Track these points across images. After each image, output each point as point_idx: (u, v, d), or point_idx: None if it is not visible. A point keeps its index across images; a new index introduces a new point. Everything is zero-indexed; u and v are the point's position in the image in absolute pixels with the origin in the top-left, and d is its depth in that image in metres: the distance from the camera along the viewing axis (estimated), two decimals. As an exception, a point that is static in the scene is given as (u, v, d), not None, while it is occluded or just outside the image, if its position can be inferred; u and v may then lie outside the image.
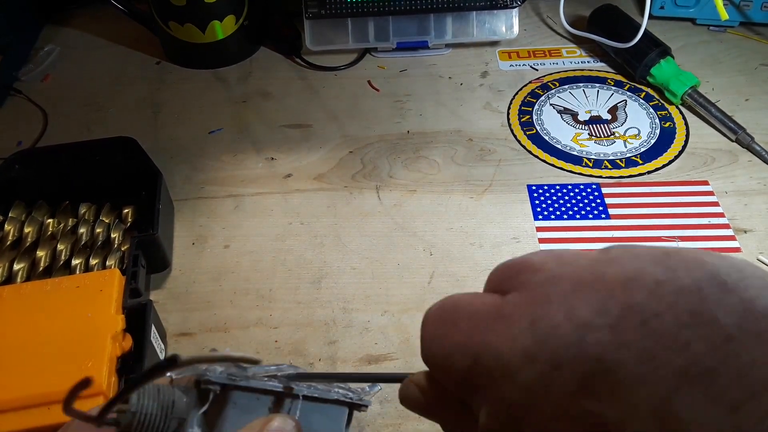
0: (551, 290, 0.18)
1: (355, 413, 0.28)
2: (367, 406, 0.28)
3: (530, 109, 0.62)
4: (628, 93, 0.63)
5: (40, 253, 0.47)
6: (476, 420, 0.20)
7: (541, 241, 0.50)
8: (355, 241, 0.51)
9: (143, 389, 0.22)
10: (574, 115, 0.61)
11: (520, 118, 0.61)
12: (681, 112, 0.61)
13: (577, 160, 0.57)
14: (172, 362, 0.18)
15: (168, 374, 0.23)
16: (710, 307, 0.15)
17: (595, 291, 0.17)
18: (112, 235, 0.48)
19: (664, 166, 0.56)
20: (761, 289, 0.16)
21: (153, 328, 0.41)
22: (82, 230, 0.48)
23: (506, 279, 0.21)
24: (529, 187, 0.54)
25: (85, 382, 0.19)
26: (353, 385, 0.28)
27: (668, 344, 0.15)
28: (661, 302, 0.16)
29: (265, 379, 0.24)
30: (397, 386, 0.24)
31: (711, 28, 0.70)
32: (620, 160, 0.57)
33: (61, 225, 0.49)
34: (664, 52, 0.62)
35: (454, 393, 0.21)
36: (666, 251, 0.18)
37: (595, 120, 0.61)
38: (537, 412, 0.17)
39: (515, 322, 0.18)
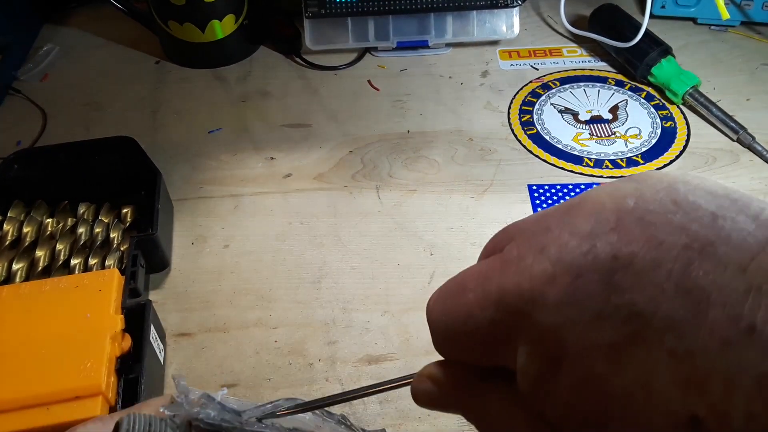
0: (547, 221, 0.19)
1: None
2: None
3: (531, 108, 0.62)
4: (629, 92, 0.63)
5: (39, 253, 0.47)
6: (508, 382, 0.20)
7: (542, 241, 0.50)
8: (355, 241, 0.50)
9: (133, 421, 0.22)
10: (574, 115, 0.61)
11: (520, 118, 0.61)
12: (682, 112, 0.61)
13: (577, 159, 0.56)
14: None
15: (162, 408, 0.23)
16: (687, 195, 0.18)
17: (586, 208, 0.19)
18: (111, 235, 0.48)
19: (665, 165, 0.56)
20: (716, 185, 0.18)
21: (152, 328, 0.41)
22: (81, 230, 0.48)
23: (498, 241, 0.21)
24: (529, 186, 0.54)
25: None
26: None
27: (668, 230, 0.17)
28: (647, 201, 0.18)
29: (258, 423, 0.24)
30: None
31: (712, 27, 0.70)
32: (621, 159, 0.56)
33: (60, 225, 0.49)
34: (665, 51, 0.62)
35: (481, 360, 0.21)
36: (629, 177, 0.20)
37: (596, 119, 0.60)
38: (573, 327, 0.18)
39: (524, 258, 0.19)
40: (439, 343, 0.22)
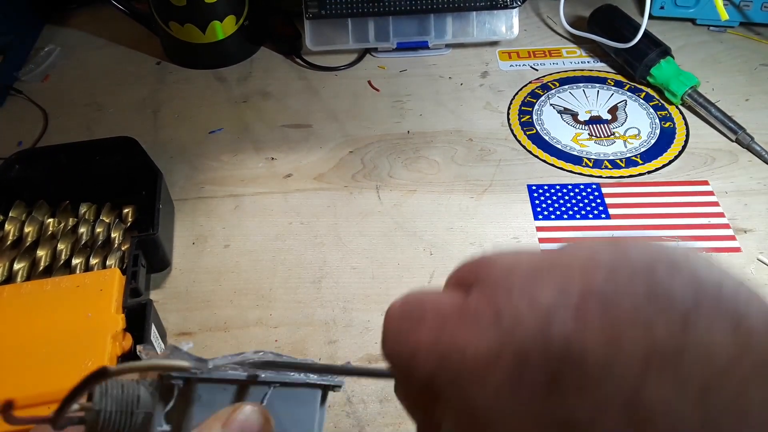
0: (511, 279, 0.18)
1: (331, 394, 0.27)
2: (340, 386, 0.27)
3: (530, 109, 0.62)
4: (628, 93, 0.63)
5: (41, 253, 0.47)
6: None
7: (542, 240, 0.50)
8: (355, 241, 0.51)
9: (106, 386, 0.22)
10: (574, 115, 0.61)
11: (520, 118, 0.61)
12: (681, 112, 0.61)
13: (577, 160, 0.57)
14: (102, 374, 0.19)
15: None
16: (665, 283, 0.16)
17: (554, 275, 0.17)
18: (113, 235, 0.48)
19: (664, 166, 0.56)
20: (708, 266, 0.16)
21: (153, 327, 0.41)
22: (82, 230, 0.48)
23: (467, 275, 0.20)
24: (529, 187, 0.54)
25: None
26: None
27: (631, 330, 0.15)
28: (618, 282, 0.16)
29: (230, 369, 0.24)
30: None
31: (711, 28, 0.70)
32: (620, 160, 0.57)
33: (62, 225, 0.49)
34: (664, 52, 0.62)
35: (416, 399, 0.20)
36: (614, 238, 0.18)
37: (595, 120, 0.61)
38: (505, 419, 0.16)
39: (480, 319, 0.18)
40: (386, 356, 0.21)
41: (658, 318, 0.15)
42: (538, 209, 0.52)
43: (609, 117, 0.61)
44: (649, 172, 0.55)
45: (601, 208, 0.52)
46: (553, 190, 0.54)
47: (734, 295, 0.15)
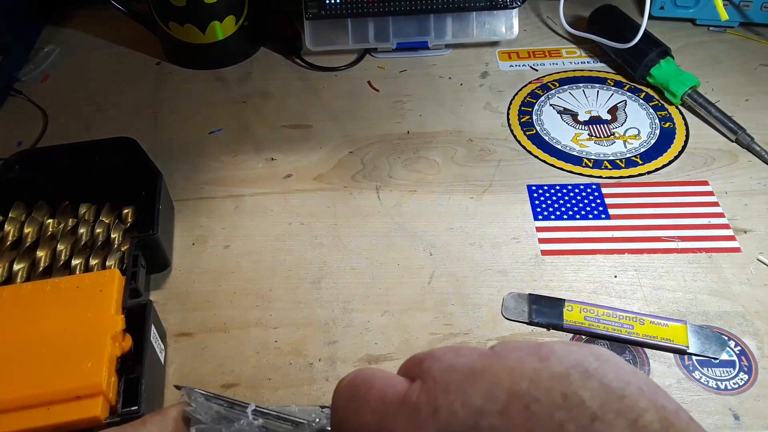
0: (449, 379, 0.21)
1: None
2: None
3: (530, 109, 0.62)
4: (628, 93, 0.63)
5: (40, 254, 0.47)
6: None
7: (541, 241, 0.50)
8: (355, 241, 0.51)
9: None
10: (573, 116, 0.61)
11: (520, 119, 0.61)
12: (681, 113, 0.61)
13: (577, 160, 0.57)
14: None
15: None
16: (577, 391, 0.19)
17: (485, 380, 0.20)
18: (112, 236, 0.48)
19: (664, 166, 0.56)
20: (616, 372, 0.20)
21: (153, 328, 0.41)
22: (82, 230, 0.48)
23: (413, 366, 0.23)
24: (529, 187, 0.54)
25: None
26: None
27: (547, 426, 0.19)
28: (538, 388, 0.19)
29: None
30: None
31: (711, 28, 0.70)
32: (620, 160, 0.57)
33: (61, 225, 0.49)
34: (664, 52, 0.62)
35: None
36: (539, 344, 0.22)
37: (595, 120, 0.61)
38: None
39: (420, 412, 0.21)
40: (332, 429, 0.24)
41: (570, 419, 0.18)
42: (538, 209, 0.52)
43: (609, 117, 0.61)
44: (649, 173, 0.55)
45: (600, 208, 0.52)
46: (552, 191, 0.54)
47: (637, 396, 0.19)
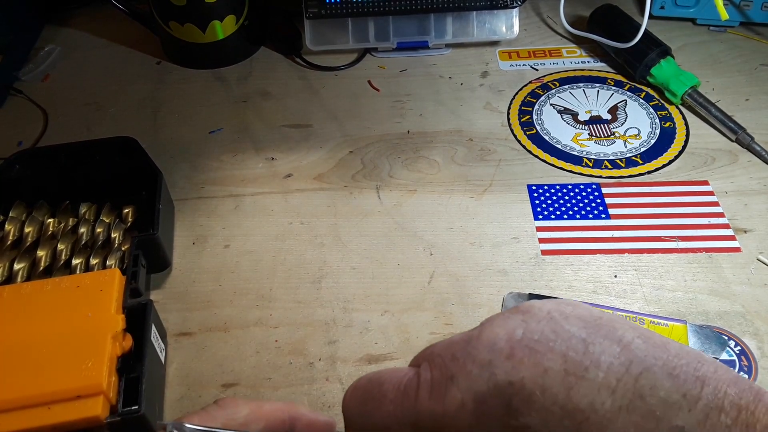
0: (453, 350, 0.23)
1: None
2: None
3: (530, 109, 0.62)
4: (628, 93, 0.63)
5: (41, 253, 0.47)
6: None
7: (542, 240, 0.50)
8: (355, 241, 0.51)
9: None
10: (574, 115, 0.61)
11: (520, 118, 0.61)
12: (681, 112, 0.61)
13: (577, 160, 0.57)
14: None
15: None
16: (564, 326, 0.22)
17: (484, 340, 0.23)
18: (113, 235, 0.48)
19: (664, 166, 0.56)
20: (588, 311, 0.23)
21: (153, 327, 0.41)
22: (82, 230, 0.48)
23: (413, 361, 0.25)
24: (529, 187, 0.54)
25: None
26: None
27: (551, 357, 0.21)
28: (532, 331, 0.22)
29: None
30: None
31: (711, 28, 0.70)
32: (620, 160, 0.57)
33: (62, 225, 0.49)
34: (665, 52, 0.62)
35: None
36: (515, 306, 0.24)
37: (595, 120, 0.61)
38: None
39: (439, 384, 0.23)
40: None
41: (566, 347, 0.21)
42: (538, 209, 0.52)
43: (609, 117, 0.61)
44: (649, 172, 0.55)
45: (601, 208, 0.52)
46: (553, 190, 0.54)
47: (612, 322, 0.22)
